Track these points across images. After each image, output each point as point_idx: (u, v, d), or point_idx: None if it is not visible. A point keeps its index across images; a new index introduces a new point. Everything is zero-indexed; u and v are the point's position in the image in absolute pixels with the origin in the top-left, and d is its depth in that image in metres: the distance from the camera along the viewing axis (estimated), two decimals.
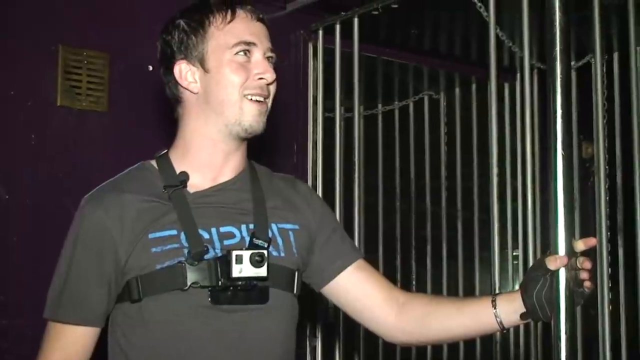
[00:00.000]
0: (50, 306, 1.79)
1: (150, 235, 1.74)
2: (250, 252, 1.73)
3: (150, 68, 3.65)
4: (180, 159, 1.85)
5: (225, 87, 1.80)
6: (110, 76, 3.53)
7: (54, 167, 3.42)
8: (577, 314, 4.00)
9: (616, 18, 3.42)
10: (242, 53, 1.80)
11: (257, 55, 1.82)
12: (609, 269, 3.27)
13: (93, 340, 1.79)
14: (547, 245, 2.64)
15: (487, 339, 3.63)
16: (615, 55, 3.97)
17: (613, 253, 3.67)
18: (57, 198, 3.42)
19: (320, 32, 3.66)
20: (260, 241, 1.79)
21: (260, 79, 1.81)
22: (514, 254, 4.17)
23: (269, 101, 1.85)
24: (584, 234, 4.22)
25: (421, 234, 4.46)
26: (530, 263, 3.10)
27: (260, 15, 1.86)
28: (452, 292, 4.36)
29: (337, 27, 3.56)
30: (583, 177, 4.45)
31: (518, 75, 4.20)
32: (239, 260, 1.72)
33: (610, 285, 3.20)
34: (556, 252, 1.78)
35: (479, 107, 4.38)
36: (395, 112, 4.62)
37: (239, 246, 1.77)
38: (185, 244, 1.75)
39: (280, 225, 1.87)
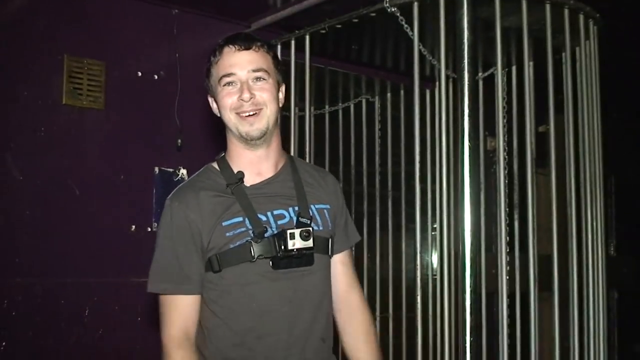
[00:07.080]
0: (161, 283, 1.89)
1: (223, 223, 1.87)
2: (300, 229, 1.87)
3: (140, 74, 3.62)
4: (232, 161, 1.97)
5: (224, 112, 1.92)
6: (106, 80, 3.50)
7: (59, 155, 3.39)
8: (482, 272, 4.06)
9: (514, 38, 3.45)
10: (226, 85, 1.90)
11: (237, 81, 1.90)
12: (507, 237, 3.31)
13: (198, 305, 1.91)
14: (458, 219, 2.69)
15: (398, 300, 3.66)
16: (514, 68, 4.01)
17: (510, 225, 3.72)
18: (62, 180, 3.39)
19: (279, 47, 3.65)
20: (304, 219, 1.93)
21: (241, 99, 1.89)
22: (434, 225, 4.21)
23: (263, 107, 1.91)
24: (488, 210, 4.31)
25: (359, 210, 4.49)
26: (445, 233, 3.13)
27: (247, 45, 1.91)
28: (384, 256, 4.40)
29: (292, 42, 3.55)
30: (488, 165, 4.51)
31: (437, 83, 4.23)
32: (292, 236, 1.86)
33: (507, 250, 3.24)
34: (463, 224, 1.82)
35: (406, 109, 4.41)
36: (339, 112, 4.62)
37: (290, 224, 1.91)
38: (250, 227, 1.87)
39: (317, 206, 2.00)
